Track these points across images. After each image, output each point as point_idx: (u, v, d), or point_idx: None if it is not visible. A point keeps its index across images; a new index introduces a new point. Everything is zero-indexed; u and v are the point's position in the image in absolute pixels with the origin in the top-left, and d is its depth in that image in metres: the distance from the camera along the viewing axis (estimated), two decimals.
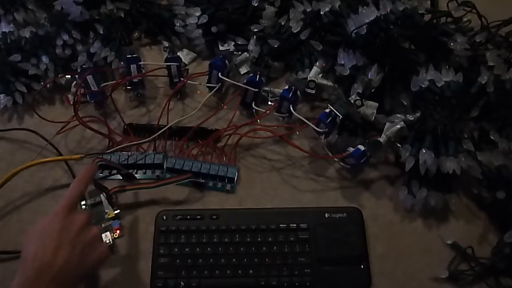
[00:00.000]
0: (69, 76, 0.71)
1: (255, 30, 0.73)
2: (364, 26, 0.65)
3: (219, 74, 0.67)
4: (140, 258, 0.60)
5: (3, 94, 0.69)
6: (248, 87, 0.66)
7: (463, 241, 0.60)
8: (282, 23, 0.74)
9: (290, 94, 0.64)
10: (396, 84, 0.67)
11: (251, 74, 0.67)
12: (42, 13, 0.78)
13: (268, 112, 0.66)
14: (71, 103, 0.67)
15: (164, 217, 0.61)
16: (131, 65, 0.69)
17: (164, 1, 0.80)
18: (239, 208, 0.63)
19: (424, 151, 0.59)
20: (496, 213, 0.62)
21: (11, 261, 0.59)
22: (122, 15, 0.76)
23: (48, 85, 0.71)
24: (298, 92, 0.65)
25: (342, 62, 0.68)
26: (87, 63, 0.72)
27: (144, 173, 0.66)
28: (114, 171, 0.66)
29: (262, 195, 0.65)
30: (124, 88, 0.72)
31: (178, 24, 0.75)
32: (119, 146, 0.66)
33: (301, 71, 0.70)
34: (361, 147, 0.61)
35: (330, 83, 0.67)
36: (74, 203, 0.51)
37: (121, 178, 0.66)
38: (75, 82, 0.70)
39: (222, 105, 0.70)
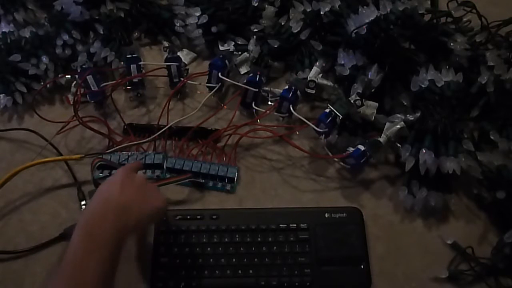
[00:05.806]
0: (69, 76, 0.71)
1: (255, 30, 0.73)
2: (364, 26, 0.65)
3: (219, 74, 0.67)
4: (140, 258, 0.59)
5: (3, 94, 0.69)
6: (248, 87, 0.66)
7: (463, 241, 0.60)
8: (282, 23, 0.74)
9: (290, 94, 0.64)
10: (396, 84, 0.67)
11: (251, 74, 0.67)
12: (42, 13, 0.78)
13: (268, 112, 0.66)
14: (71, 103, 0.67)
15: (164, 217, 0.61)
16: (131, 65, 0.69)
17: (164, 1, 0.80)
18: (239, 208, 0.63)
19: (424, 151, 0.59)
20: (496, 213, 0.62)
21: (11, 261, 0.59)
22: (122, 15, 0.76)
23: (48, 85, 0.71)
24: (298, 92, 0.65)
25: (342, 62, 0.68)
26: (87, 63, 0.72)
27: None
28: (114, 171, 0.66)
29: (262, 195, 0.65)
30: (124, 88, 0.72)
31: (178, 24, 0.75)
32: (119, 146, 0.66)
33: (301, 71, 0.70)
34: (361, 147, 0.61)
35: (330, 83, 0.67)
36: (135, 169, 0.56)
37: None
38: (75, 82, 0.70)
39: (222, 105, 0.70)
